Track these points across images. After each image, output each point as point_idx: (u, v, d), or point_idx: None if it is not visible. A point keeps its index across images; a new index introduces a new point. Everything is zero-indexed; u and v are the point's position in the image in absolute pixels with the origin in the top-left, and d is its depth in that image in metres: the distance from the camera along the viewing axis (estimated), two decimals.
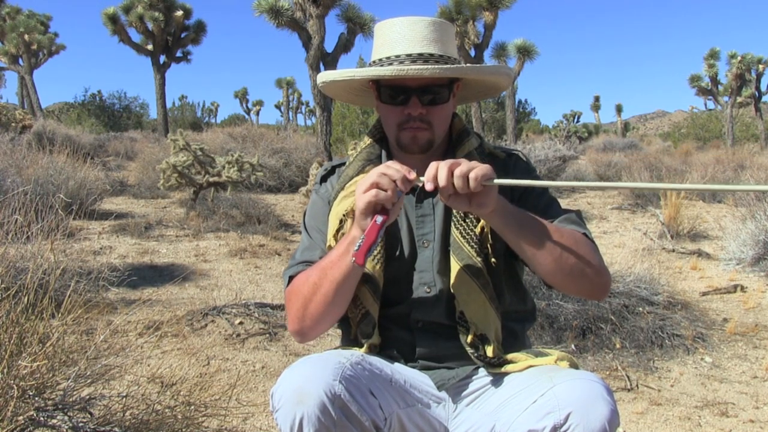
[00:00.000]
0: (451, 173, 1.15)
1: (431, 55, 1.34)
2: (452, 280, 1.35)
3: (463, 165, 1.16)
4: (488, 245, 1.34)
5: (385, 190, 1.18)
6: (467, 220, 1.35)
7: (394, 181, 1.18)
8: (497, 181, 1.18)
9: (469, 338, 1.33)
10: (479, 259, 1.33)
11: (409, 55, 1.34)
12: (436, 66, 1.31)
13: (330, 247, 1.37)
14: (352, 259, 1.17)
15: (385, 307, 1.40)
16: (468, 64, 1.39)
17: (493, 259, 1.35)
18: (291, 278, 1.41)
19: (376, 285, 1.36)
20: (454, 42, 1.43)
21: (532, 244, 1.25)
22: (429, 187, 1.16)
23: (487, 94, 1.55)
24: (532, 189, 1.42)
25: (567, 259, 1.26)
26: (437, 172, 1.16)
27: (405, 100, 1.35)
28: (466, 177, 1.15)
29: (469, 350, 1.33)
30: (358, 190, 1.21)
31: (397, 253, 1.40)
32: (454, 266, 1.34)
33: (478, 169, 1.16)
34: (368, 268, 1.35)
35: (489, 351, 1.33)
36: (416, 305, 1.39)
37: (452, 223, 1.37)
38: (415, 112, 1.34)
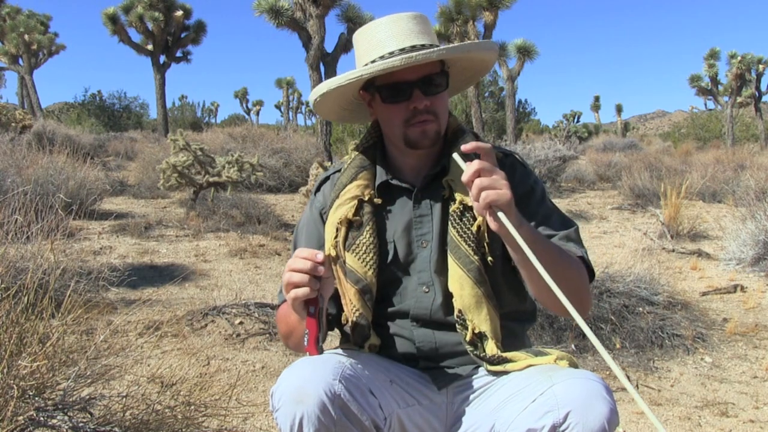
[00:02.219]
0: (476, 176, 1.16)
1: (422, 45, 1.35)
2: (450, 279, 1.35)
3: (486, 179, 1.15)
4: (485, 244, 1.35)
5: (303, 286, 1.21)
6: (464, 219, 1.35)
7: (307, 273, 1.21)
8: (504, 219, 1.15)
9: (468, 336, 1.33)
10: (476, 257, 1.33)
11: (402, 50, 1.34)
12: (434, 49, 1.32)
13: (329, 256, 1.37)
14: (307, 353, 1.24)
15: (385, 307, 1.40)
16: (459, 43, 1.39)
17: (489, 258, 1.35)
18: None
19: (369, 290, 1.37)
20: (434, 33, 1.44)
21: (545, 267, 1.22)
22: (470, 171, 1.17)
23: (472, 79, 1.55)
24: (531, 195, 1.41)
25: (565, 283, 1.22)
26: (472, 169, 1.16)
27: (408, 95, 1.34)
28: (479, 192, 1.15)
29: (469, 348, 1.33)
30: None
31: (391, 256, 1.40)
32: (452, 265, 1.35)
33: (494, 194, 1.15)
34: (360, 274, 1.36)
35: (488, 349, 1.33)
36: (415, 305, 1.39)
37: (449, 223, 1.37)
38: (420, 105, 1.34)
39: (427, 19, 1.42)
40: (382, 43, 1.36)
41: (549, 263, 1.15)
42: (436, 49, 1.31)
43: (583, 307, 1.30)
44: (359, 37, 1.42)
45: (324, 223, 1.45)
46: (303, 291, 1.21)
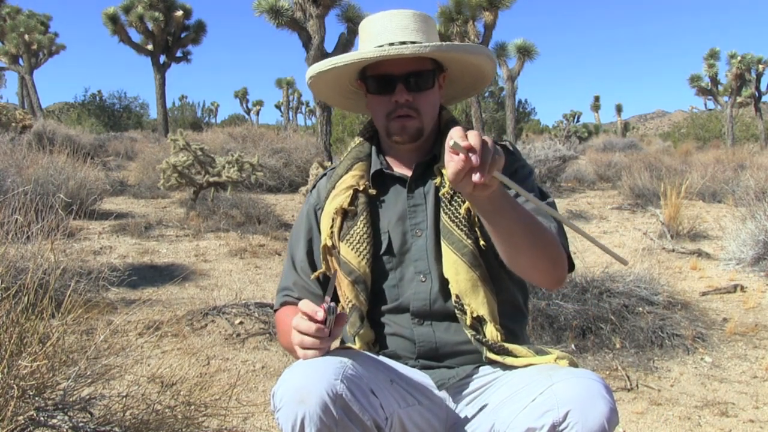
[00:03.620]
0: (483, 143, 1.06)
1: (413, 42, 1.36)
2: (444, 265, 1.36)
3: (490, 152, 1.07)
4: (476, 228, 1.35)
5: (313, 348, 1.21)
6: (453, 203, 1.36)
7: (315, 336, 1.20)
8: (499, 176, 1.09)
9: (468, 320, 1.34)
10: (470, 241, 1.34)
11: (391, 44, 1.35)
12: (416, 44, 1.32)
13: (325, 246, 1.41)
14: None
15: (385, 303, 1.41)
16: (447, 43, 1.38)
17: (482, 242, 1.35)
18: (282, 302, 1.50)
19: (362, 281, 1.38)
20: (436, 34, 1.44)
21: (517, 231, 1.21)
22: (464, 143, 1.06)
23: (474, 87, 1.55)
24: (516, 171, 1.41)
25: (542, 250, 1.24)
26: (471, 135, 1.07)
27: (391, 89, 1.36)
28: (488, 161, 1.06)
29: (470, 333, 1.34)
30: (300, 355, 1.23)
31: (385, 246, 1.41)
32: (446, 251, 1.36)
33: (501, 160, 1.09)
34: (353, 265, 1.38)
35: (488, 333, 1.34)
36: (414, 296, 1.39)
37: (441, 209, 1.38)
38: (401, 99, 1.36)
39: (427, 18, 1.42)
40: (376, 36, 1.39)
41: (528, 231, 1.21)
42: (410, 45, 1.32)
43: (558, 274, 1.29)
44: (360, 29, 1.45)
45: (317, 219, 1.48)
46: (312, 353, 1.21)
